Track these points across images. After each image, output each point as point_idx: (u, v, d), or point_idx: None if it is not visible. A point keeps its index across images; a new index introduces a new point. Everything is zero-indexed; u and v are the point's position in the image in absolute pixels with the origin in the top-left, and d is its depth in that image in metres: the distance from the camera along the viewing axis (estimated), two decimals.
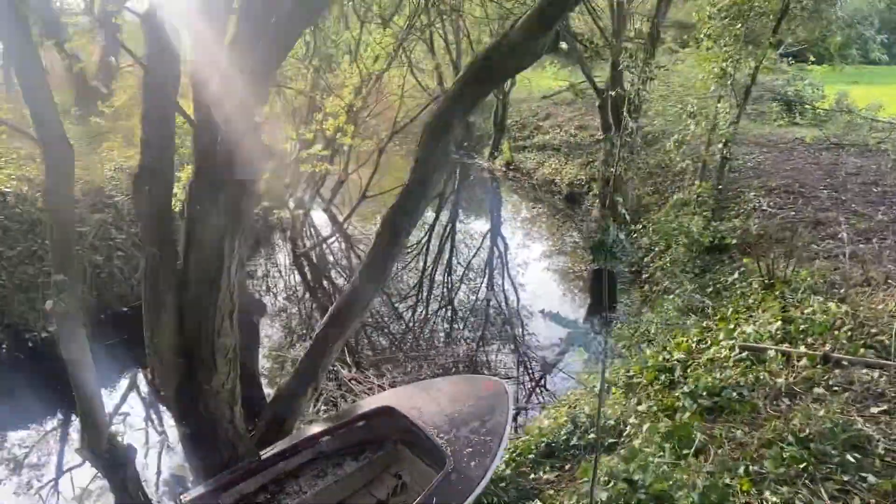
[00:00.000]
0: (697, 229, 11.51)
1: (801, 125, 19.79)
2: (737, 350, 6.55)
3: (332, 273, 15.71)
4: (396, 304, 13.60)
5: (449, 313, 13.30)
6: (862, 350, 6.08)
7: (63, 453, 8.10)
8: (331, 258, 16.77)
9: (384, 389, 9.15)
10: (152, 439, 8.30)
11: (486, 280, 15.45)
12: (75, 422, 7.83)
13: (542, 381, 10.02)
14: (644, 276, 13.90)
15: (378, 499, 6.16)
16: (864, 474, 4.43)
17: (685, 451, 4.96)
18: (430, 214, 21.76)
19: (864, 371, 5.74)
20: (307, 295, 14.07)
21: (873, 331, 6.40)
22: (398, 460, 6.48)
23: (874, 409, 5.11)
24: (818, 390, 5.51)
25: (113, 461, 5.92)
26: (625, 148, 16.48)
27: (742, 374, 6.02)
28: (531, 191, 23.91)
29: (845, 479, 4.41)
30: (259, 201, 7.58)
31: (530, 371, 10.42)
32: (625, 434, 6.02)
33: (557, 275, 15.82)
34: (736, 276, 9.65)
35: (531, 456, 6.61)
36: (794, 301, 7.57)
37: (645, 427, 5.57)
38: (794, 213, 12.12)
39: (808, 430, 4.80)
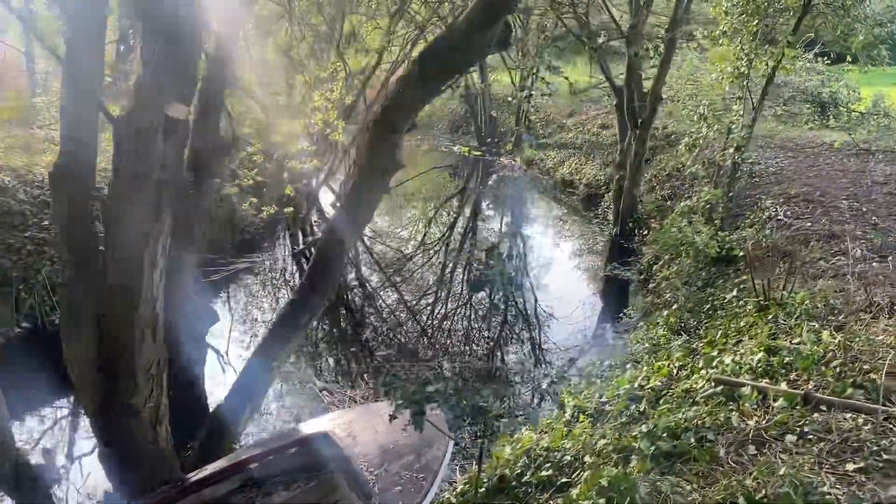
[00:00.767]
0: (702, 239, 10.76)
1: (833, 129, 18.75)
2: (711, 383, 5.89)
3: None
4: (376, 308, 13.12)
5: (447, 319, 12.78)
6: (850, 390, 5.37)
7: None
8: None
9: (356, 403, 8.69)
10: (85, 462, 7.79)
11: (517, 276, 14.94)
12: None
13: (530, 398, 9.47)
14: (651, 285, 13.23)
15: None
16: None
17: None
18: (444, 213, 21.31)
19: (848, 416, 5.05)
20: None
21: (866, 367, 5.68)
22: (333, 490, 5.97)
23: (849, 466, 4.43)
24: (791, 438, 4.84)
25: (18, 484, 5.52)
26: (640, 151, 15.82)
27: (709, 414, 5.37)
28: (550, 190, 23.26)
29: None
30: (212, 203, 7.13)
31: (515, 387, 9.85)
32: (576, 476, 5.42)
33: (570, 277, 15.21)
34: (735, 293, 8.92)
35: (483, 489, 6.05)
36: (787, 327, 6.86)
37: (585, 475, 4.96)
38: (809, 224, 11.31)
39: (765, 491, 4.16)
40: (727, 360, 6.26)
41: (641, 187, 17.49)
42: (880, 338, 6.23)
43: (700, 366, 6.62)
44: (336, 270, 6.50)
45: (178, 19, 4.91)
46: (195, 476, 5.74)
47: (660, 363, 7.32)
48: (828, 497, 4.07)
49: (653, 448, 5.09)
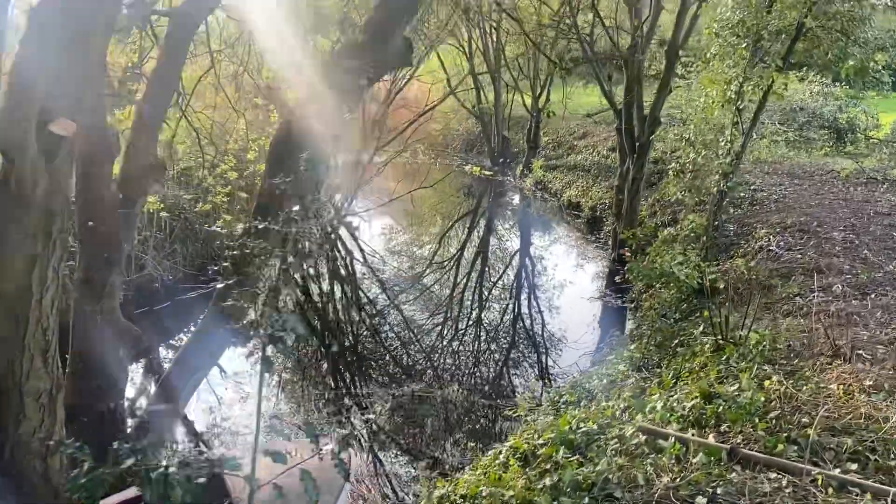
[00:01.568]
0: (682, 269, 10.24)
1: (847, 156, 18.08)
2: (637, 432, 5.43)
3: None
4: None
5: (443, 338, 12.45)
6: (781, 446, 4.90)
7: None
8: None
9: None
10: None
11: (489, 303, 14.55)
12: None
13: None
14: (639, 313, 12.73)
15: None
16: None
17: None
18: (453, 233, 21.03)
19: (773, 476, 4.59)
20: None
21: (805, 420, 5.19)
22: None
23: None
24: (700, 501, 4.38)
25: None
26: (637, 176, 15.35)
27: (619, 469, 4.91)
28: (556, 212, 22.84)
29: None
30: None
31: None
32: None
33: (563, 303, 14.74)
34: (701, 329, 8.42)
35: None
36: (737, 370, 6.37)
37: None
38: (800, 255, 10.75)
39: None
40: (659, 405, 5.79)
41: (644, 212, 17.01)
42: (832, 386, 5.73)
43: (636, 410, 6.16)
44: None
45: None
46: None
47: (605, 403, 6.88)
48: None
49: None
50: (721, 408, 5.48)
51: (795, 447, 4.89)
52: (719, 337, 7.21)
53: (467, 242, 20.12)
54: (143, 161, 7.03)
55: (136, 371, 8.00)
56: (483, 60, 27.61)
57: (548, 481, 4.86)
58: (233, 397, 9.25)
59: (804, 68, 17.66)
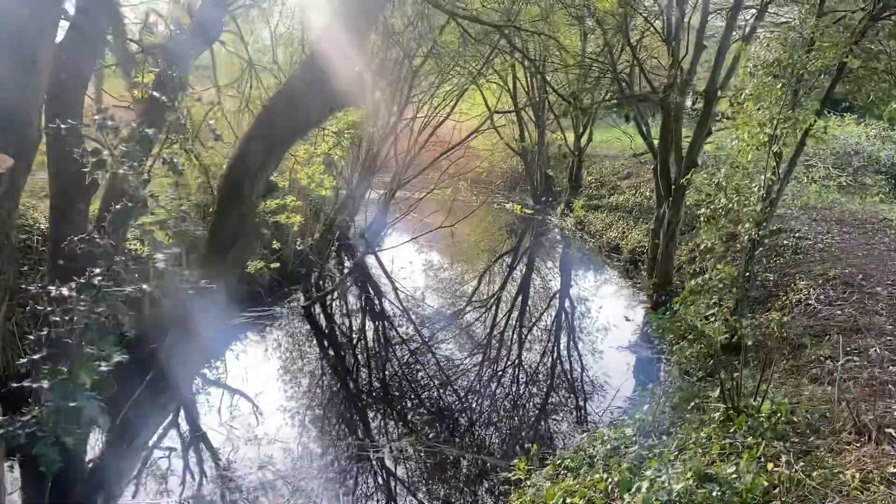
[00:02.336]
0: (709, 324, 9.52)
1: None
2: None
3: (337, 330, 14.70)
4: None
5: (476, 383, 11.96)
6: None
7: None
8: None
9: None
10: None
11: (513, 349, 13.97)
12: None
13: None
14: (667, 367, 11.97)
15: None
16: None
17: None
18: (484, 271, 20.56)
19: None
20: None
21: None
22: None
23: None
24: None
25: None
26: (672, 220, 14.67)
27: None
28: (594, 254, 22.15)
29: None
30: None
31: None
32: None
33: (593, 350, 14.03)
34: (717, 393, 7.70)
35: None
36: (742, 446, 5.70)
37: None
38: (839, 311, 9.93)
39: None
40: (644, 485, 5.17)
41: (682, 257, 16.29)
42: (847, 473, 5.03)
43: (633, 487, 5.54)
44: None
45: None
46: None
47: (599, 475, 6.26)
48: None
49: None
50: (715, 493, 4.84)
51: None
52: (729, 405, 6.52)
53: (499, 283, 19.59)
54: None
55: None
56: (527, 98, 27.33)
57: None
58: None
59: (850, 110, 16.75)
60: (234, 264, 5.56)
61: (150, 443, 9.23)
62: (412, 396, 11.67)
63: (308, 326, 14.43)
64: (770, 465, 5.13)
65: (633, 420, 7.94)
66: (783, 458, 5.29)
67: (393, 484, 8.58)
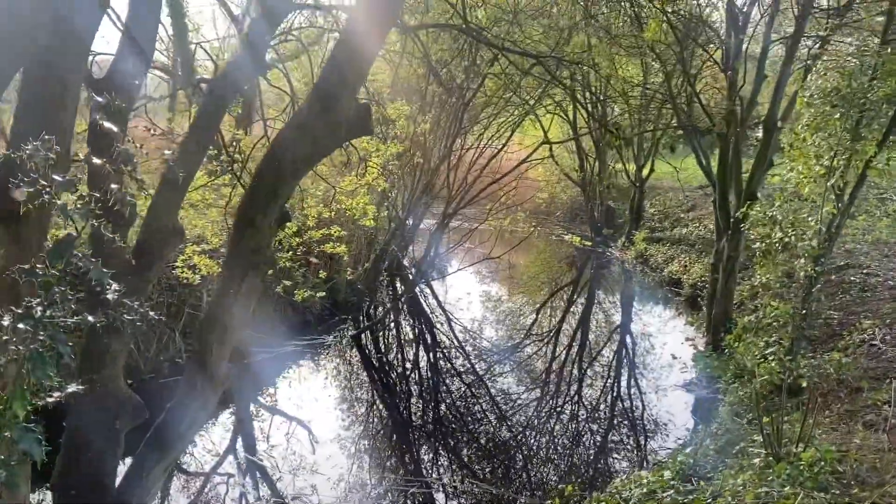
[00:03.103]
0: (764, 364, 9.09)
1: None
2: None
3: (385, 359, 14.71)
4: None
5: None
6: None
7: None
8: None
9: None
10: None
11: (567, 386, 13.70)
12: None
13: None
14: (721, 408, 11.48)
15: None
16: None
17: None
18: (538, 305, 20.33)
19: None
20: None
21: None
22: None
23: None
24: None
25: None
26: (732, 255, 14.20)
27: None
28: (654, 288, 21.60)
29: None
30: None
31: None
32: None
33: (658, 386, 13.57)
34: (762, 437, 7.31)
35: None
36: (779, 495, 5.36)
37: None
38: None
39: None
40: None
41: (744, 293, 15.74)
42: None
43: None
44: None
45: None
46: None
47: None
48: None
49: None
50: None
51: None
52: (768, 451, 6.17)
53: (554, 317, 19.30)
54: (163, 224, 6.91)
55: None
56: (588, 127, 27.06)
57: None
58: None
59: None
60: (249, 294, 5.61)
61: (188, 466, 9.41)
62: (460, 431, 11.52)
63: (357, 355, 14.47)
64: None
65: (675, 462, 7.60)
66: None
67: None
